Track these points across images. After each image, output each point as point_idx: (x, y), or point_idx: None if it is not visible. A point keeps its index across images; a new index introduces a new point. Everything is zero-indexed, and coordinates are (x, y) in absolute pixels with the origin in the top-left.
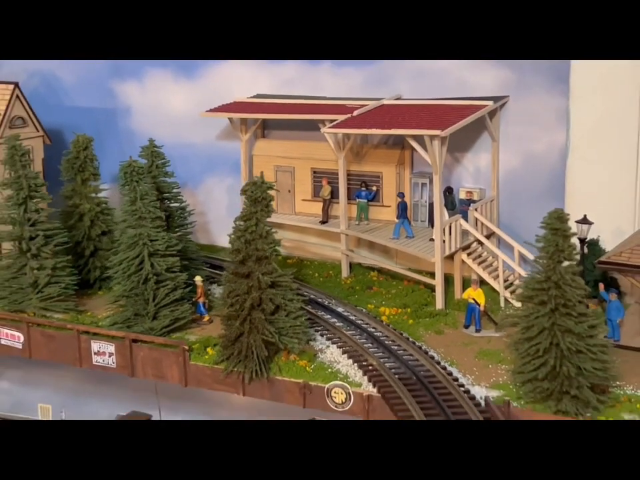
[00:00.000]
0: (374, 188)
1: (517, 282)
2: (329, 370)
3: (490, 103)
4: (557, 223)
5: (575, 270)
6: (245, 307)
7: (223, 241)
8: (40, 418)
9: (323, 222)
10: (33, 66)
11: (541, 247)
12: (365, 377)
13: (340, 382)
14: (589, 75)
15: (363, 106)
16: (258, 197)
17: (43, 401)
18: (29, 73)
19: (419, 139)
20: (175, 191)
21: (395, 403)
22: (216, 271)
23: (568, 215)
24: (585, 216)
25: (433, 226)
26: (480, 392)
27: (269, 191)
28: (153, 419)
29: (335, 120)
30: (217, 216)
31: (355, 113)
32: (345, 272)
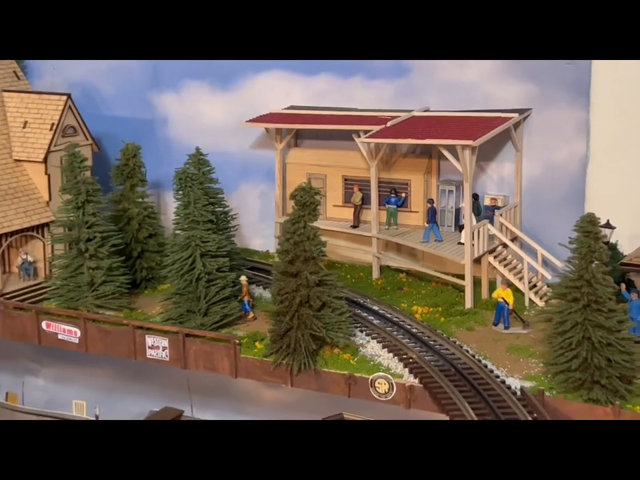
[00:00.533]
0: (403, 194)
1: (539, 283)
2: (371, 362)
3: (515, 115)
4: (589, 226)
5: (605, 269)
6: (294, 304)
7: (255, 244)
8: (74, 414)
9: (354, 226)
10: (73, 77)
11: (573, 248)
12: (406, 369)
13: (383, 373)
14: (608, 88)
15: (394, 117)
16: (306, 202)
17: (77, 398)
18: (70, 83)
19: (451, 148)
20: (219, 196)
21: (438, 392)
22: (253, 272)
23: (599, 218)
24: (608, 221)
25: (460, 230)
26: (514, 383)
27: (316, 196)
28: (185, 414)
29: (369, 130)
30: (249, 220)
31: (389, 123)
32: (375, 273)
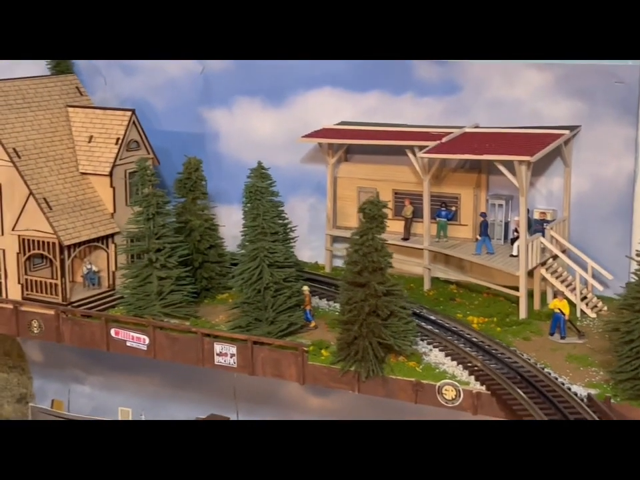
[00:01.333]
0: (453, 208)
1: (589, 295)
2: (437, 370)
3: (567, 132)
4: None
5: None
6: (363, 313)
7: (304, 255)
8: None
9: (404, 239)
10: (125, 93)
11: (639, 260)
12: (472, 377)
13: (450, 380)
14: None
15: (446, 133)
16: (374, 215)
17: (123, 405)
18: (121, 99)
19: (506, 163)
20: (280, 209)
21: (507, 398)
22: (310, 283)
23: None
24: None
25: (511, 243)
26: (579, 390)
27: (383, 209)
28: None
29: (424, 146)
30: (299, 233)
31: (444, 139)
32: (427, 285)
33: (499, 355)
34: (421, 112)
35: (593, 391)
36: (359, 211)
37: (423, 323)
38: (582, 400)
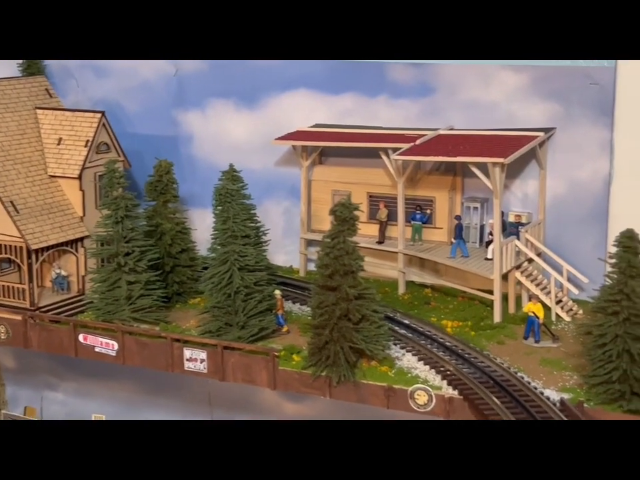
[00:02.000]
0: (428, 211)
1: (565, 298)
2: (409, 375)
3: (542, 134)
4: (628, 241)
5: None
6: (334, 317)
7: (278, 259)
8: None
9: (379, 242)
10: (97, 95)
11: (613, 262)
12: (444, 381)
13: (422, 385)
14: (631, 108)
15: (421, 135)
16: (346, 217)
17: (96, 412)
18: (93, 102)
19: (480, 166)
20: (252, 212)
21: (479, 403)
22: (282, 287)
23: (638, 234)
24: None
25: (487, 246)
26: (552, 394)
27: (355, 212)
28: None
29: (398, 148)
30: (273, 237)
31: (418, 141)
32: (401, 289)
33: (472, 359)
34: (395, 114)
35: (566, 396)
36: (330, 213)
37: (397, 327)
38: (554, 405)
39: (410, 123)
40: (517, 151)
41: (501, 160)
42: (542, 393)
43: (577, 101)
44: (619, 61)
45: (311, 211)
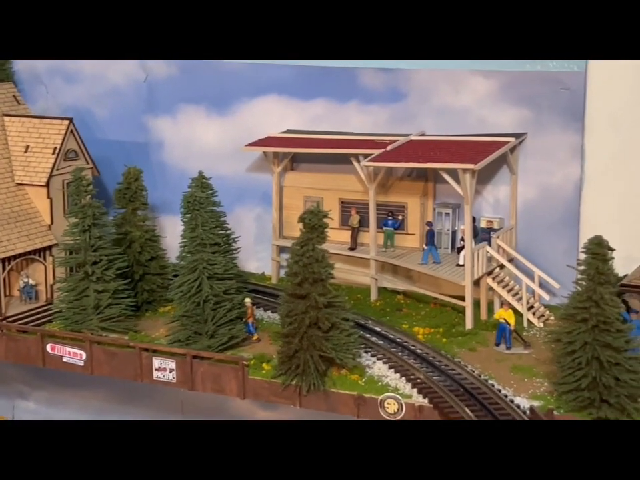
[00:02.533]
0: (400, 217)
1: (537, 304)
2: (379, 383)
3: (513, 139)
4: (597, 248)
5: (612, 290)
6: (303, 325)
7: (250, 266)
8: None
9: (351, 249)
10: (67, 102)
11: (582, 269)
12: (415, 389)
13: (392, 393)
14: (602, 113)
15: (392, 141)
16: (315, 224)
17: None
18: (63, 108)
19: (451, 172)
20: (221, 219)
21: (449, 412)
22: (254, 295)
23: (607, 241)
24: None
25: (458, 252)
26: (522, 402)
27: (324, 219)
28: None
29: (369, 154)
30: (245, 243)
31: (389, 147)
32: (373, 295)
33: (443, 366)
34: (366, 120)
35: (536, 403)
36: (299, 221)
37: (368, 335)
38: (524, 412)
39: (381, 129)
40: (488, 157)
41: (471, 166)
42: (512, 401)
43: (548, 106)
44: (589, 66)
45: (283, 218)
